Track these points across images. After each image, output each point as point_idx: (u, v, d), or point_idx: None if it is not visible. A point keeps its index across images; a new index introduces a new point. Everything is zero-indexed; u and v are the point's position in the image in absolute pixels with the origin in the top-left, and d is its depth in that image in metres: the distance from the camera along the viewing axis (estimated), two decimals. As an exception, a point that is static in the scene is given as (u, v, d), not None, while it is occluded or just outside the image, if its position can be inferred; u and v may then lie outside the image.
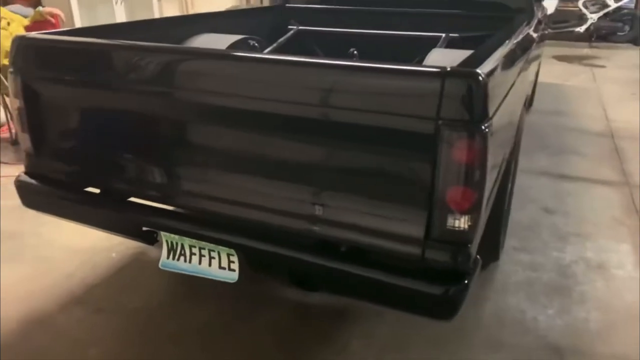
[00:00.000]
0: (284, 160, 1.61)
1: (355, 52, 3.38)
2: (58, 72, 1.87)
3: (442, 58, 2.28)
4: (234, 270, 1.78)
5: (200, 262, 1.83)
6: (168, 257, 1.87)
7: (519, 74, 2.07)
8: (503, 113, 1.60)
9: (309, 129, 1.53)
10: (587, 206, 3.33)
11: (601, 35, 9.79)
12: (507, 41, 1.95)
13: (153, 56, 1.70)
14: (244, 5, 9.26)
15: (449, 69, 1.35)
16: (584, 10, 9.36)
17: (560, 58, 8.41)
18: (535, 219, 3.15)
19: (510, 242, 2.83)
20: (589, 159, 4.17)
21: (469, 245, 1.46)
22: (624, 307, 2.37)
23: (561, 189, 3.58)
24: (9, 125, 4.38)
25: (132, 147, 1.87)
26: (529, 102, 4.20)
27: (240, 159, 1.69)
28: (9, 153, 4.17)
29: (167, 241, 1.86)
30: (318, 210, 1.56)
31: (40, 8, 4.50)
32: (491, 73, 1.43)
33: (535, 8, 3.39)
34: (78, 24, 6.31)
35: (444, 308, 1.53)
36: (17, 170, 2.09)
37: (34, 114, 1.93)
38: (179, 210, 1.91)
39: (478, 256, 1.56)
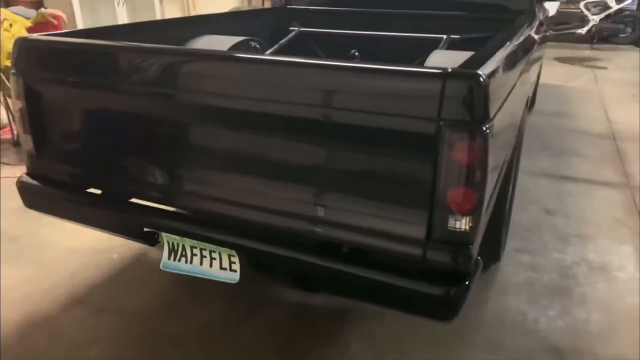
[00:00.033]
0: (286, 162, 1.61)
1: (356, 53, 3.39)
2: (60, 73, 1.87)
3: (443, 59, 2.28)
4: (235, 271, 1.78)
5: (201, 263, 1.83)
6: (169, 258, 1.87)
7: (520, 75, 2.07)
8: (504, 114, 1.60)
9: (310, 130, 1.53)
10: (588, 207, 3.33)
11: (603, 36, 9.79)
12: (508, 43, 1.94)
13: (155, 58, 1.71)
14: (245, 7, 9.29)
15: (450, 70, 1.36)
16: (586, 12, 9.37)
17: (562, 60, 8.41)
18: (536, 220, 3.15)
19: (511, 243, 2.83)
20: (590, 160, 4.17)
21: (470, 246, 1.46)
22: (625, 309, 2.37)
23: (562, 190, 3.58)
24: (10, 127, 4.38)
25: (134, 148, 1.87)
26: (530, 104, 4.21)
27: (242, 160, 1.69)
28: (10, 154, 4.17)
29: (168, 242, 1.86)
30: (319, 211, 1.56)
31: (42, 9, 4.51)
32: (492, 74, 1.43)
33: (536, 10, 3.38)
34: (80, 25, 6.32)
35: (445, 309, 1.53)
36: (19, 171, 2.10)
37: (35, 115, 1.94)
38: (180, 211, 1.91)
39: (479, 257, 1.56)
